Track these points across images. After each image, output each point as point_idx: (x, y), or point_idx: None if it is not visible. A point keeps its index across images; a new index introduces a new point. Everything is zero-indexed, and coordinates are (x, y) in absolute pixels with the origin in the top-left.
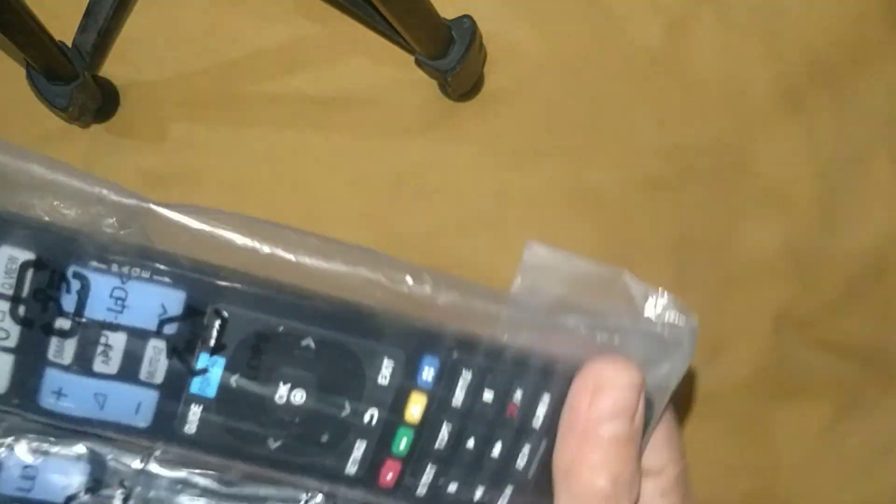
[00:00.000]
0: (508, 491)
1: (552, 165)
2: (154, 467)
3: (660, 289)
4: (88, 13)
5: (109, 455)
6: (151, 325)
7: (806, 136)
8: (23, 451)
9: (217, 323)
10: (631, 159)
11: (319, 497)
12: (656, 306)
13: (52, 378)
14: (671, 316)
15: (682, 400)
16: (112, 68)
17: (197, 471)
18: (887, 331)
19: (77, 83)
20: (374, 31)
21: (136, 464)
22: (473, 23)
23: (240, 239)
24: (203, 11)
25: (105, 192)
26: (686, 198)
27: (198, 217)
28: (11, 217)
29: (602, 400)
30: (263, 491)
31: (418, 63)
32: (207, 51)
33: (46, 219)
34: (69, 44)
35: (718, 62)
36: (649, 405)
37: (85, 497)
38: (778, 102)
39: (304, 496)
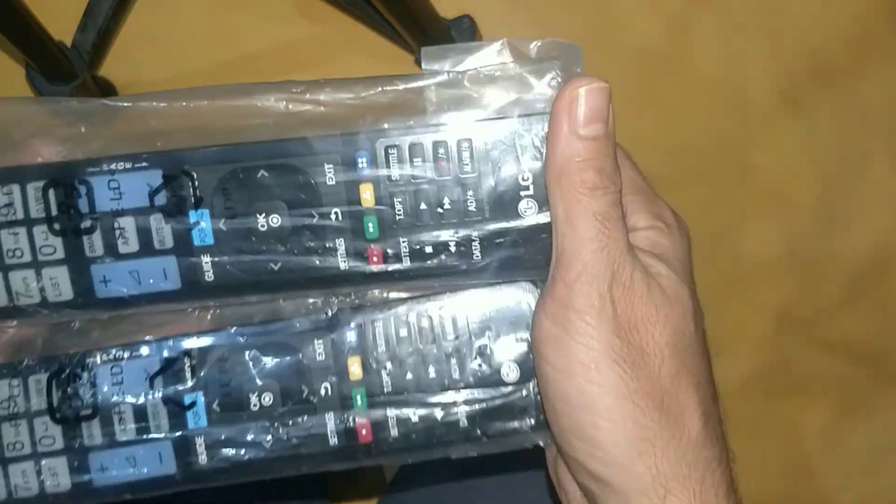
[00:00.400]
0: (475, 234)
1: None
2: (206, 334)
3: (542, 39)
4: (88, 13)
5: (171, 341)
6: (145, 202)
7: (806, 136)
8: (107, 358)
9: (189, 182)
10: (633, 155)
11: (332, 313)
12: (539, 48)
13: (96, 271)
14: (553, 49)
15: None
16: (111, 68)
17: (235, 327)
18: (888, 331)
19: (76, 83)
20: (373, 31)
21: (192, 339)
22: (473, 23)
23: (175, 102)
24: (203, 12)
25: (73, 103)
26: (687, 198)
27: (143, 98)
28: (22, 167)
29: (578, 108)
30: (294, 322)
31: (418, 63)
32: (207, 50)
33: (41, 160)
34: (69, 44)
35: (718, 62)
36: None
37: (163, 374)
38: (778, 102)
39: (324, 315)
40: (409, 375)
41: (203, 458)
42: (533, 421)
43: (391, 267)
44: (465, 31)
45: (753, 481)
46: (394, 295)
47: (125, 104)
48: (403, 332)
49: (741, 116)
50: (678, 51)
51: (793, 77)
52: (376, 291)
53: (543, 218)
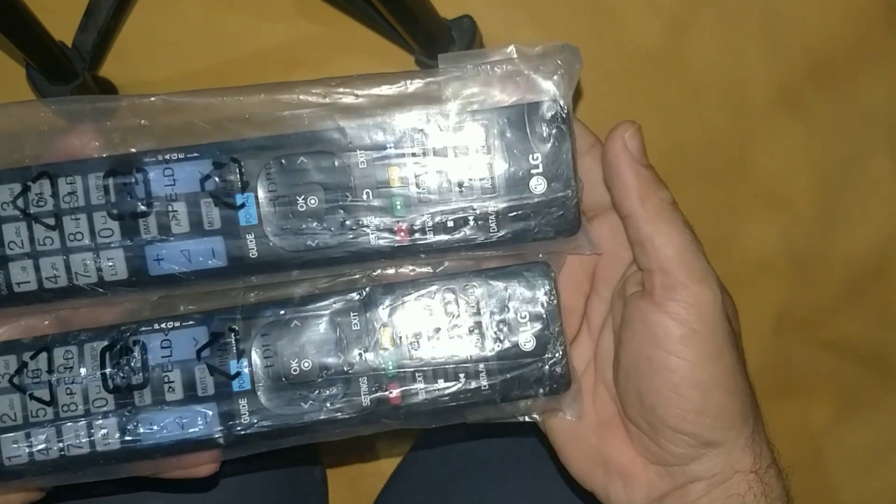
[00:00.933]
0: (492, 209)
1: None
2: (250, 309)
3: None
4: (88, 13)
5: (216, 316)
6: (196, 187)
7: (805, 136)
8: (157, 329)
9: (237, 168)
10: None
11: (366, 291)
12: (543, 49)
13: (150, 251)
14: (555, 50)
15: None
16: (112, 68)
17: (277, 304)
18: (887, 330)
19: (77, 83)
20: (373, 31)
21: (237, 313)
22: (473, 23)
23: (229, 97)
24: (203, 12)
25: (135, 99)
26: (686, 197)
27: (199, 94)
28: (84, 160)
29: (632, 146)
30: (331, 299)
31: (418, 63)
32: (207, 51)
33: (104, 153)
34: (69, 44)
35: (718, 62)
36: (567, 115)
37: (210, 346)
38: (777, 102)
39: (358, 294)
40: (435, 346)
41: (246, 422)
42: (547, 388)
43: (417, 241)
44: (465, 32)
45: None
46: (422, 270)
47: (181, 100)
48: (430, 308)
49: (740, 116)
50: (678, 50)
51: (792, 76)
52: (408, 268)
53: (551, 193)
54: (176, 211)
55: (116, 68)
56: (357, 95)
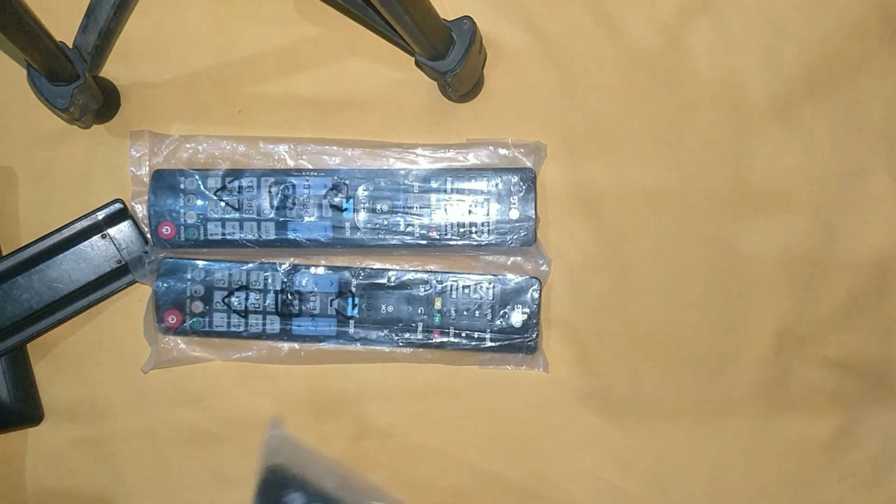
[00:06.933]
0: (488, 223)
1: (552, 167)
2: (363, 271)
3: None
4: (89, 14)
5: (347, 272)
6: (321, 193)
7: (803, 153)
8: (311, 273)
9: (344, 186)
10: (630, 162)
11: (431, 274)
12: (526, 141)
13: (290, 225)
14: (532, 142)
15: (687, 416)
16: (113, 69)
17: (381, 277)
18: (889, 346)
19: (78, 84)
20: (374, 33)
21: (357, 273)
22: (473, 24)
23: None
24: (204, 13)
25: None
26: (683, 213)
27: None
28: (258, 170)
29: None
30: (408, 275)
31: (418, 64)
32: (208, 52)
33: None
34: (70, 44)
35: (715, 78)
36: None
37: (339, 286)
38: (775, 118)
39: (426, 274)
40: (465, 313)
41: (352, 330)
42: (529, 353)
43: (441, 238)
44: (465, 33)
45: (757, 497)
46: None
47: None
48: (467, 293)
49: (738, 131)
50: (674, 65)
51: (790, 92)
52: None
53: (521, 219)
54: (308, 204)
55: (118, 69)
56: (417, 155)
